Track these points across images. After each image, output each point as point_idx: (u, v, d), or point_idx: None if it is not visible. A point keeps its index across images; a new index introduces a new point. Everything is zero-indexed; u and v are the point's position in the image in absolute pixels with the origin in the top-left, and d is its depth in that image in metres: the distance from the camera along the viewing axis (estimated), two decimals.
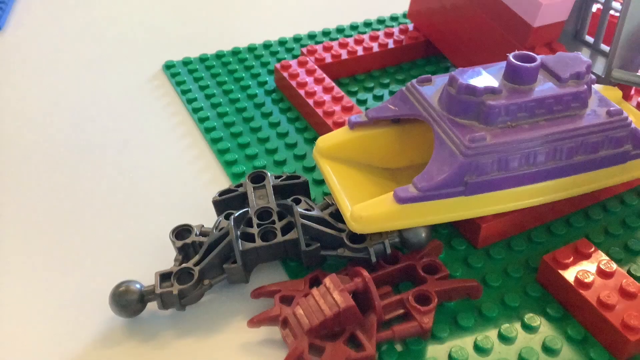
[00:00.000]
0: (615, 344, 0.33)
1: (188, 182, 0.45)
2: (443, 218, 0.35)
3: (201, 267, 0.35)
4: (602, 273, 0.35)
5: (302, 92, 0.50)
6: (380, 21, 0.65)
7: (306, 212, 0.36)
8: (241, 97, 0.53)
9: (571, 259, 0.36)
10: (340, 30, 0.63)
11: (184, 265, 0.35)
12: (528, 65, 0.36)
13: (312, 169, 0.46)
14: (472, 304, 0.36)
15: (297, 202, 0.38)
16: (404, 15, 0.65)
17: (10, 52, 0.60)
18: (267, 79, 0.55)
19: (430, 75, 0.39)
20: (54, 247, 0.40)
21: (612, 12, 0.48)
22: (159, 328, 0.35)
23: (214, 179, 0.45)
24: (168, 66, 0.57)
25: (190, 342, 0.34)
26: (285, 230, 0.36)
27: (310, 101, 0.49)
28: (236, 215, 0.36)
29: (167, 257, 0.37)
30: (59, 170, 0.46)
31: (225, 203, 0.39)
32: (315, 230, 0.36)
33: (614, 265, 0.35)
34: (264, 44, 0.60)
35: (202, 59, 0.58)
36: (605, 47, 0.48)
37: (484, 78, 0.36)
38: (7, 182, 0.45)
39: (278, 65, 0.53)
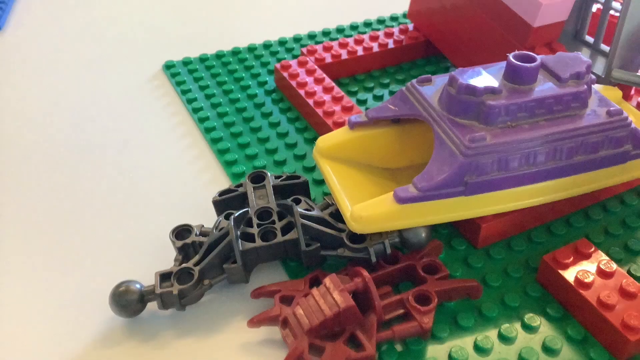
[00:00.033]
0: (615, 344, 0.33)
1: (188, 182, 0.45)
2: (443, 218, 0.35)
3: (201, 267, 0.35)
4: (602, 273, 0.35)
5: (302, 92, 0.50)
6: (380, 21, 0.65)
7: (306, 212, 0.36)
8: (241, 97, 0.53)
9: (571, 259, 0.36)
10: (340, 30, 0.63)
11: (184, 265, 0.35)
12: (528, 65, 0.36)
13: (312, 169, 0.46)
14: (472, 304, 0.36)
15: (297, 202, 0.38)
16: (404, 15, 0.65)
17: (10, 52, 0.60)
18: (267, 79, 0.55)
19: (430, 75, 0.39)
20: (54, 247, 0.40)
21: (612, 12, 0.48)
22: (159, 328, 0.35)
23: (214, 179, 0.45)
24: (168, 66, 0.57)
25: (190, 342, 0.34)
26: (285, 230, 0.36)
27: (310, 101, 0.49)
28: (236, 215, 0.36)
29: (167, 257, 0.37)
30: (59, 170, 0.46)
31: (225, 203, 0.39)
32: (315, 230, 0.36)
33: (614, 265, 0.35)
34: (264, 44, 0.60)
35: (202, 59, 0.58)
36: (605, 47, 0.48)
37: (484, 78, 0.36)
38: (7, 182, 0.45)
39: (278, 65, 0.53)
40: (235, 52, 0.59)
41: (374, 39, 0.57)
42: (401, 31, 0.58)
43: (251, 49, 0.60)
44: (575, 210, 0.42)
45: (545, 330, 0.34)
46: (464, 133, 0.35)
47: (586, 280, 0.34)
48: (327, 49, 0.55)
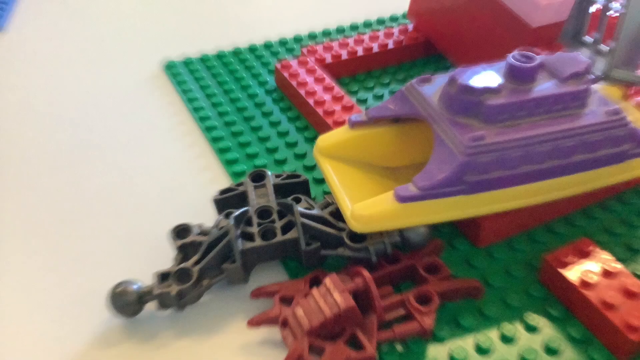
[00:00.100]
0: (617, 344, 0.33)
1: (189, 181, 0.45)
2: (443, 217, 0.35)
3: (200, 267, 0.35)
4: (604, 272, 0.35)
5: (302, 91, 0.50)
6: (380, 21, 0.65)
7: (306, 211, 0.36)
8: (242, 96, 0.53)
9: (572, 257, 0.36)
10: (340, 30, 0.63)
11: (182, 265, 0.35)
12: (527, 64, 0.36)
13: (312, 167, 0.46)
14: (474, 303, 0.36)
15: (298, 201, 0.38)
16: (404, 16, 0.65)
17: (12, 52, 0.60)
18: (268, 78, 0.55)
19: (429, 74, 0.39)
20: (53, 247, 0.40)
21: (612, 12, 0.48)
22: (158, 328, 0.35)
23: (214, 178, 0.45)
24: (169, 66, 0.57)
25: (190, 343, 0.34)
26: (286, 229, 0.36)
27: (311, 101, 0.49)
28: (236, 214, 0.36)
29: (167, 257, 0.37)
30: (60, 169, 0.46)
31: (225, 202, 0.39)
32: (316, 229, 0.36)
33: (616, 265, 0.35)
34: (265, 44, 0.60)
35: (203, 59, 0.58)
36: (604, 47, 0.48)
37: (484, 77, 0.36)
38: (7, 182, 0.45)
39: (278, 65, 0.53)
40: (236, 53, 0.59)
41: (373, 39, 0.57)
42: (401, 31, 0.58)
43: (252, 49, 0.60)
44: (576, 209, 0.41)
45: (547, 330, 0.34)
46: (464, 132, 0.35)
47: (588, 280, 0.34)
48: (327, 49, 0.55)
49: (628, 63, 0.45)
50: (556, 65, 0.38)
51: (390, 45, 0.56)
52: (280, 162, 0.46)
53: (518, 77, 0.37)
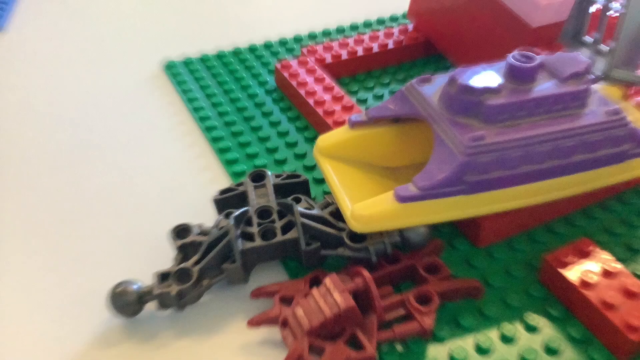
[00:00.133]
0: (617, 344, 0.33)
1: (189, 181, 0.45)
2: (443, 217, 0.35)
3: (200, 267, 0.35)
4: (604, 272, 0.35)
5: (302, 91, 0.50)
6: (380, 21, 0.65)
7: (306, 211, 0.36)
8: (242, 96, 0.53)
9: (572, 257, 0.36)
10: (340, 30, 0.63)
11: (182, 265, 0.35)
12: (527, 64, 0.36)
13: (312, 167, 0.46)
14: (474, 303, 0.36)
15: (298, 201, 0.38)
16: (404, 16, 0.65)
17: (12, 52, 0.60)
18: (268, 78, 0.55)
19: (429, 74, 0.39)
20: (53, 247, 0.40)
21: (612, 12, 0.48)
22: (158, 328, 0.35)
23: (214, 178, 0.45)
24: (169, 66, 0.57)
25: (190, 343, 0.34)
26: (286, 229, 0.36)
27: (311, 101, 0.49)
28: (236, 214, 0.36)
29: (167, 257, 0.37)
30: (59, 170, 0.46)
31: (225, 202, 0.39)
32: (316, 229, 0.36)
33: (616, 265, 0.35)
34: (265, 44, 0.60)
35: (203, 59, 0.58)
36: (604, 47, 0.48)
37: (484, 77, 0.36)
38: (7, 182, 0.45)
39: (279, 65, 0.53)
40: (236, 53, 0.59)
41: (373, 39, 0.57)
42: (401, 31, 0.58)
43: (252, 49, 0.60)
44: (576, 209, 0.41)
45: (547, 330, 0.34)
46: (464, 132, 0.35)
47: (588, 280, 0.34)
48: (327, 49, 0.55)
49: (628, 63, 0.45)
50: (556, 65, 0.38)
51: (390, 45, 0.56)
52: (280, 162, 0.46)
53: (518, 77, 0.37)
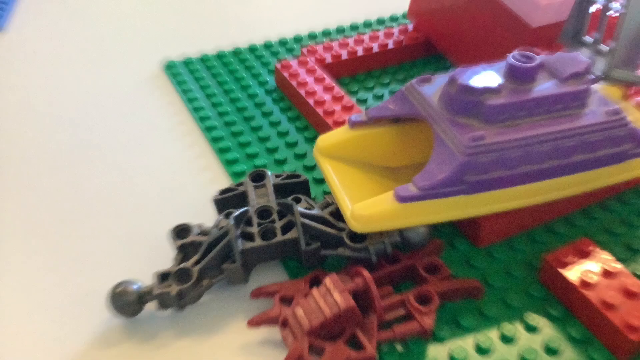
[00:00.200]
0: (617, 344, 0.33)
1: (189, 181, 0.45)
2: (443, 217, 0.35)
3: (200, 267, 0.35)
4: (604, 272, 0.35)
5: (302, 91, 0.50)
6: (380, 21, 0.65)
7: (306, 211, 0.36)
8: (242, 96, 0.53)
9: (572, 257, 0.36)
10: (340, 30, 0.63)
11: (182, 265, 0.35)
12: (527, 64, 0.36)
13: (312, 167, 0.46)
14: (474, 303, 0.36)
15: (298, 201, 0.38)
16: (404, 16, 0.65)
17: (12, 52, 0.60)
18: (268, 78, 0.55)
19: (429, 74, 0.39)
20: (53, 247, 0.40)
21: (612, 12, 0.48)
22: (158, 328, 0.35)
23: (214, 178, 0.45)
24: (169, 66, 0.57)
25: (190, 343, 0.34)
26: (286, 229, 0.36)
27: (311, 101, 0.49)
28: (236, 214, 0.36)
29: (167, 257, 0.37)
30: (59, 170, 0.46)
31: (225, 202, 0.39)
32: (316, 229, 0.36)
33: (616, 265, 0.35)
34: (265, 44, 0.60)
35: (203, 59, 0.58)
36: (604, 47, 0.48)
37: (484, 77, 0.36)
38: (7, 182, 0.45)
39: (279, 65, 0.53)
40: (236, 53, 0.59)
41: (373, 39, 0.57)
42: (401, 31, 0.58)
43: (252, 49, 0.60)
44: (576, 209, 0.41)
45: (547, 330, 0.34)
46: (464, 132, 0.35)
47: (588, 280, 0.34)
48: (327, 49, 0.55)
49: (628, 63, 0.45)
50: (556, 65, 0.38)
51: (390, 45, 0.56)
52: (280, 162, 0.46)
53: (518, 77, 0.36)
